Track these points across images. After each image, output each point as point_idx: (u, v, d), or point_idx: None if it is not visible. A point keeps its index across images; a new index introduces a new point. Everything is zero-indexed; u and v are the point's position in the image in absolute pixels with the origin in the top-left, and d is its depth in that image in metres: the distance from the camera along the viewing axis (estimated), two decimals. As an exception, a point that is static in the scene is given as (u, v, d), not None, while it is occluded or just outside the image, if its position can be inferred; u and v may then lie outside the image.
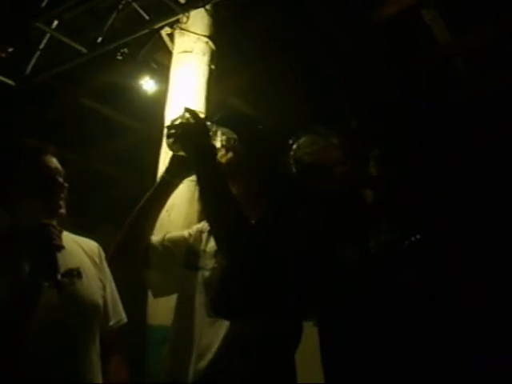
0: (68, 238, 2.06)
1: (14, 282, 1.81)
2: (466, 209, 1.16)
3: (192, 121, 1.65)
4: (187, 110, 1.68)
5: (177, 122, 1.68)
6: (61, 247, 1.89)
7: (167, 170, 1.81)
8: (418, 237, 1.13)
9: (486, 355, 1.04)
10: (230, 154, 1.75)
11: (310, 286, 1.22)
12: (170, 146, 1.71)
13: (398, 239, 1.15)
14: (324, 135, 1.27)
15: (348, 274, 1.19)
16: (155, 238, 1.87)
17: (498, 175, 1.19)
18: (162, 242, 1.87)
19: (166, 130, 1.70)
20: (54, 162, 2.02)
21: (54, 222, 1.95)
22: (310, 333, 1.61)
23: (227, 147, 1.73)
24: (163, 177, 1.80)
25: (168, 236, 1.90)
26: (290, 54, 4.97)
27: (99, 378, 1.98)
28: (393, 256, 1.15)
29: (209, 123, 1.69)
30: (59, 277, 1.87)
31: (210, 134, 1.66)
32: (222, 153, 1.71)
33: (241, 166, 1.75)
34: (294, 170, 1.26)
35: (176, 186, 1.82)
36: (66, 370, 1.87)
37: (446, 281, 1.08)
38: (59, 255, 1.92)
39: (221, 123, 1.75)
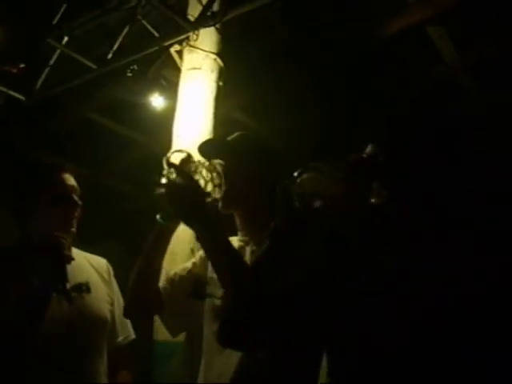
0: (77, 254, 2.09)
1: (20, 294, 1.83)
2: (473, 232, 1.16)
3: (178, 180, 1.61)
4: (170, 164, 1.64)
5: (163, 180, 1.63)
6: (70, 258, 1.92)
7: (161, 215, 1.73)
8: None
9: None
10: (224, 187, 1.73)
11: (314, 318, 1.23)
12: (159, 198, 1.65)
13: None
14: (327, 169, 1.27)
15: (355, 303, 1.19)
16: (162, 278, 1.85)
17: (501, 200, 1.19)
18: (170, 281, 1.86)
19: (155, 188, 1.65)
20: (71, 179, 2.04)
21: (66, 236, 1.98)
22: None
23: (218, 184, 1.70)
24: (159, 223, 1.74)
25: (173, 272, 1.89)
26: (297, 70, 5.00)
27: None
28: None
29: (197, 163, 1.67)
30: (68, 286, 1.90)
31: (198, 176, 1.64)
32: (216, 193, 1.69)
33: (237, 192, 1.75)
34: (297, 203, 1.26)
35: (174, 229, 1.76)
36: (72, 382, 1.88)
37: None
38: (69, 268, 1.95)
39: (207, 154, 1.75)
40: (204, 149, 1.81)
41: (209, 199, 1.66)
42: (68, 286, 1.93)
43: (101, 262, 2.15)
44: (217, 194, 1.70)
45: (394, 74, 4.89)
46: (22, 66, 4.41)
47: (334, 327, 1.24)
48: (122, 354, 2.14)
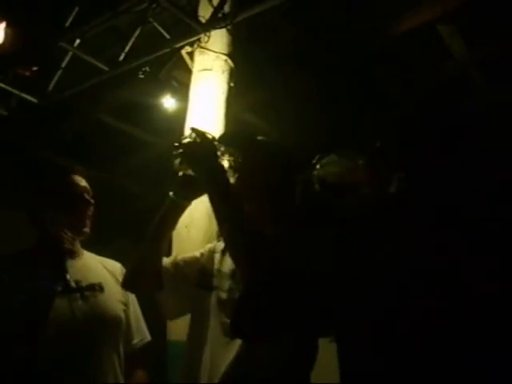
0: (91, 258, 2.15)
1: (30, 289, 1.88)
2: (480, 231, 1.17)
3: (199, 140, 1.65)
4: (193, 129, 1.67)
5: (184, 142, 1.67)
6: (72, 252, 1.96)
7: (175, 192, 1.77)
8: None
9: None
10: (238, 174, 1.74)
11: (330, 305, 1.23)
12: (177, 166, 1.69)
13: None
14: (348, 156, 1.28)
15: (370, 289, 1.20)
16: (167, 259, 1.87)
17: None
18: (174, 264, 1.87)
19: (173, 151, 1.68)
20: (83, 181, 2.10)
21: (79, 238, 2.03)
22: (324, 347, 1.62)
23: (235, 168, 1.72)
24: (171, 199, 1.77)
25: (180, 257, 1.90)
26: (304, 72, 5.00)
27: None
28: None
29: (216, 143, 1.68)
30: (68, 277, 1.93)
31: (218, 154, 1.65)
32: (230, 174, 1.69)
33: (250, 184, 1.75)
34: (318, 188, 1.27)
35: (184, 208, 1.79)
36: (87, 379, 1.91)
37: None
38: (82, 269, 2.00)
39: (226, 142, 1.74)
40: (233, 136, 1.83)
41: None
42: (75, 283, 1.98)
43: (115, 265, 2.19)
44: (230, 176, 1.69)
45: (401, 75, 4.89)
46: (34, 68, 4.45)
47: (343, 324, 1.25)
48: (138, 355, 2.17)
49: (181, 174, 1.74)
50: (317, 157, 1.26)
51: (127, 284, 1.90)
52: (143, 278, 1.82)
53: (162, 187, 1.75)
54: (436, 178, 1.21)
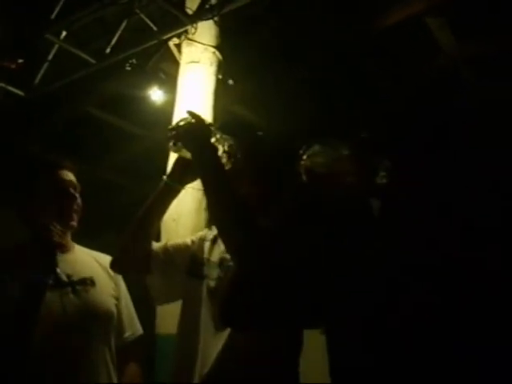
0: (82, 251, 2.15)
1: (21, 283, 1.87)
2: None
3: (194, 121, 1.65)
4: (190, 112, 1.68)
5: (180, 124, 1.68)
6: (62, 246, 1.96)
7: (169, 175, 1.79)
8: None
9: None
10: (232, 160, 1.73)
11: (321, 301, 1.23)
12: (172, 147, 1.70)
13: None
14: (334, 145, 1.28)
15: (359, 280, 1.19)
16: (157, 244, 1.88)
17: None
18: (164, 249, 1.87)
19: (168, 133, 1.69)
20: (69, 175, 2.10)
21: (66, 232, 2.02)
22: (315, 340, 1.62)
23: (229, 153, 1.72)
24: (165, 182, 1.78)
25: (170, 243, 1.90)
26: (295, 63, 4.99)
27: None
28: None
29: (212, 128, 1.69)
30: (59, 271, 1.93)
31: (213, 139, 1.65)
32: (224, 159, 1.70)
33: (243, 172, 1.75)
34: (304, 178, 1.26)
35: (177, 192, 1.80)
36: (78, 373, 1.90)
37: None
38: (73, 264, 2.02)
39: (223, 130, 1.74)
40: (229, 125, 1.83)
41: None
42: (66, 278, 1.99)
43: (107, 259, 2.18)
44: (224, 162, 1.69)
45: (390, 69, 4.89)
46: (20, 61, 4.40)
47: (332, 319, 1.24)
48: (130, 349, 2.16)
49: (174, 153, 1.74)
50: (304, 146, 1.25)
51: (115, 265, 1.90)
52: (131, 259, 1.83)
53: (150, 181, 1.74)
54: (426, 174, 1.20)
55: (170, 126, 1.70)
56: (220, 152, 1.67)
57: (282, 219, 1.33)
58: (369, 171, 1.22)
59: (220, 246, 1.80)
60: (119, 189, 7.18)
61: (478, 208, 1.15)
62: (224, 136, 1.71)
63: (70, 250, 2.11)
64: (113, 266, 1.91)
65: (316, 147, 1.25)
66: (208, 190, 1.56)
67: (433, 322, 1.08)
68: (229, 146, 1.71)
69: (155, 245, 1.87)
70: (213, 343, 1.69)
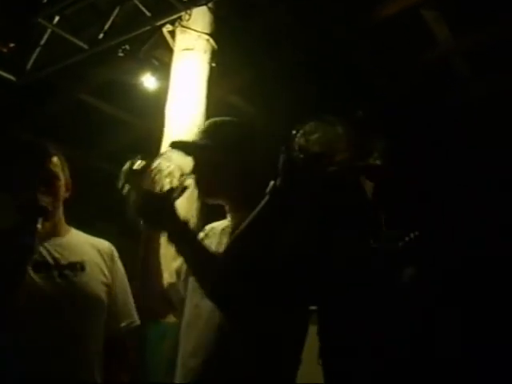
0: (78, 235, 2.13)
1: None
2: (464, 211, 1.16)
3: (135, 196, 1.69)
4: (127, 179, 1.76)
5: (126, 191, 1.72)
6: (46, 209, 1.92)
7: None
8: (417, 233, 1.14)
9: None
10: (203, 179, 1.76)
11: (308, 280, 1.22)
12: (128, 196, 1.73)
13: (397, 234, 1.16)
14: (329, 123, 1.26)
15: (348, 267, 1.19)
16: (165, 276, 1.89)
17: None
18: (177, 274, 1.89)
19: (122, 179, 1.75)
20: (58, 162, 2.07)
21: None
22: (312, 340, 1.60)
23: (181, 186, 1.72)
24: (143, 229, 1.80)
25: (175, 266, 1.90)
26: (291, 51, 4.97)
27: (97, 373, 1.99)
28: (392, 251, 1.15)
29: (156, 169, 1.70)
30: (44, 253, 1.94)
31: (164, 174, 1.68)
32: (176, 194, 1.71)
33: (223, 168, 1.76)
34: (299, 157, 1.25)
35: (159, 234, 1.79)
36: (64, 358, 1.88)
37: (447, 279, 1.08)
38: (65, 247, 2.01)
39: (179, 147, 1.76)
40: (178, 146, 1.80)
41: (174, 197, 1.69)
42: (53, 261, 1.96)
43: (104, 244, 2.16)
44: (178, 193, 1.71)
45: (385, 65, 4.88)
46: (12, 45, 4.36)
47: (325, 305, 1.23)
48: (124, 339, 2.15)
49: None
50: (298, 125, 1.23)
51: (144, 317, 2.01)
52: (155, 307, 1.91)
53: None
54: (422, 172, 1.20)
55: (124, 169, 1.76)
56: (168, 186, 1.68)
57: (270, 203, 1.32)
58: (363, 151, 1.21)
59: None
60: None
61: (475, 208, 1.15)
62: (175, 162, 1.70)
63: (64, 234, 2.08)
64: (141, 317, 1.98)
65: (311, 124, 1.23)
66: (178, 252, 1.64)
67: (429, 315, 1.08)
68: (180, 176, 1.70)
69: (166, 277, 1.89)
70: (192, 338, 1.70)
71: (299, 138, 1.21)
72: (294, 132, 1.22)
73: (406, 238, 1.15)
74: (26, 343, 1.83)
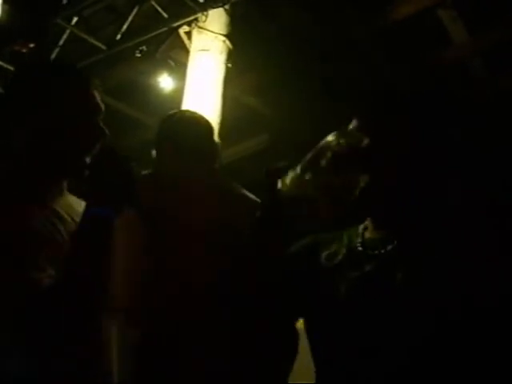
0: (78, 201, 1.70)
1: None
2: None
3: None
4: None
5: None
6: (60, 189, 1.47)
7: None
8: (406, 236, 1.12)
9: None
10: None
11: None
12: None
13: (386, 237, 1.15)
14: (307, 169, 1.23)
15: (326, 281, 1.18)
16: None
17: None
18: None
19: None
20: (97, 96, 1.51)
21: None
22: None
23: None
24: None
25: None
26: (307, 53, 4.97)
27: None
28: (382, 255, 1.14)
29: None
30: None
31: None
32: None
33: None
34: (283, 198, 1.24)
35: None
36: None
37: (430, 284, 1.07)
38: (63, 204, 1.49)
39: None
40: None
41: None
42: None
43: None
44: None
45: (400, 61, 4.85)
46: (31, 45, 4.41)
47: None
48: None
49: None
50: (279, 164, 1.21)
51: None
52: None
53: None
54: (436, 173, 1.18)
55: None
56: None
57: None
58: (347, 190, 1.17)
59: None
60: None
61: (485, 210, 1.14)
62: None
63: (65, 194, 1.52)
64: None
65: (354, 124, 1.17)
66: None
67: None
68: None
69: None
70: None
71: (282, 187, 1.18)
72: (281, 165, 1.20)
73: (395, 242, 1.13)
74: None
